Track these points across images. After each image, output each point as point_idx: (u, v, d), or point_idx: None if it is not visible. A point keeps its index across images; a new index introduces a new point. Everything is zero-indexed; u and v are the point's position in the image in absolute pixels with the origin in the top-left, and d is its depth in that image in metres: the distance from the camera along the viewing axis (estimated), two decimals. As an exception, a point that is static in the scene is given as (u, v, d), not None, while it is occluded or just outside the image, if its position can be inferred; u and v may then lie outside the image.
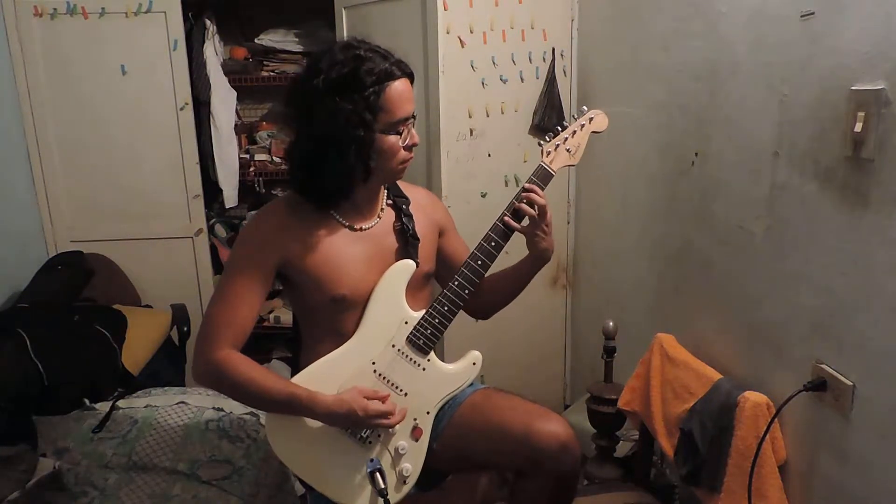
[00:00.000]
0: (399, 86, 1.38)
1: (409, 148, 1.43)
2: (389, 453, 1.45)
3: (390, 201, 1.55)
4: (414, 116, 1.43)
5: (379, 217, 1.52)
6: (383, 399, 1.40)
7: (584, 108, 1.58)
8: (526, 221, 1.49)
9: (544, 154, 1.52)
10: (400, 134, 1.40)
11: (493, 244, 1.47)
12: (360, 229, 1.49)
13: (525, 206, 1.46)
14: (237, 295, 1.42)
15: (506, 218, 1.46)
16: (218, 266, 3.13)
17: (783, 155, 1.50)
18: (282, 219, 1.45)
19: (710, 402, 1.63)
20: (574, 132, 1.54)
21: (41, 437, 1.86)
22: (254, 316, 1.44)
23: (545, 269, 2.62)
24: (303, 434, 1.42)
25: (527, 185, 1.47)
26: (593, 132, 1.57)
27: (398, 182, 1.56)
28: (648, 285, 2.16)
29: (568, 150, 1.53)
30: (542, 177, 1.50)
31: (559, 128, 1.55)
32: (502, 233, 1.47)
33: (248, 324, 1.43)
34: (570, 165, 1.56)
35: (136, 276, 2.93)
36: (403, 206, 1.54)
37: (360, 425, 1.41)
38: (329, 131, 1.36)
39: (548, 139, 1.53)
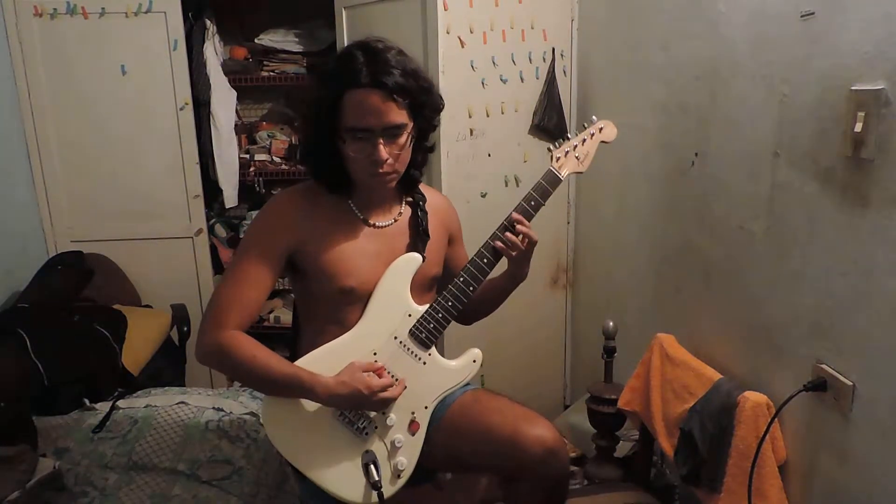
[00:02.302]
0: (361, 95, 1.33)
1: (373, 163, 1.38)
2: (385, 446, 1.45)
3: (410, 198, 1.55)
4: (383, 132, 1.36)
5: (395, 220, 1.52)
6: (379, 372, 1.41)
7: (594, 118, 1.60)
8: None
9: (553, 159, 1.54)
10: (360, 142, 1.36)
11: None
12: (375, 226, 1.49)
13: (516, 240, 1.47)
14: (247, 275, 1.42)
15: (497, 243, 1.47)
16: (218, 266, 3.13)
17: (783, 155, 1.50)
18: (298, 203, 1.46)
19: (710, 402, 1.63)
20: (584, 140, 1.57)
21: (41, 437, 1.86)
22: (262, 298, 1.44)
23: (545, 269, 2.65)
24: (299, 423, 1.42)
25: (515, 216, 1.48)
26: (602, 142, 1.60)
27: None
28: (648, 285, 2.16)
29: (577, 158, 1.56)
30: (551, 181, 1.52)
31: (569, 135, 1.58)
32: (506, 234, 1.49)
33: (255, 305, 1.43)
34: (577, 173, 1.58)
35: (136, 276, 2.93)
36: (420, 203, 1.55)
37: (363, 404, 1.40)
38: (304, 116, 1.49)
39: (557, 145, 1.56)
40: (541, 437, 1.40)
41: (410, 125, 1.40)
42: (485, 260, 1.47)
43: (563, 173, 1.53)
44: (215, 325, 1.40)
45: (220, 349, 1.38)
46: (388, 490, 1.43)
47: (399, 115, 1.37)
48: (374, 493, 1.37)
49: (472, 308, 1.61)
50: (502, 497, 1.55)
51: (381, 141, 1.36)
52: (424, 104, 1.41)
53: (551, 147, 1.56)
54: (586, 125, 1.59)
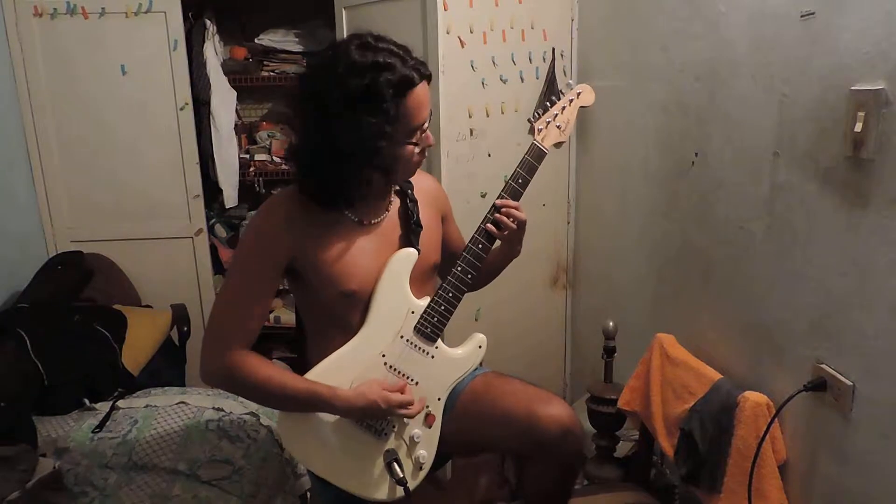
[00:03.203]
0: (418, 92, 1.32)
1: (423, 151, 1.42)
2: (405, 442, 1.46)
3: (397, 187, 1.54)
4: (430, 115, 1.39)
5: (387, 211, 1.51)
6: (402, 389, 1.40)
7: (571, 82, 1.59)
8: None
9: (536, 132, 1.52)
10: (417, 139, 1.38)
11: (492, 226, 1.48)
12: (369, 223, 1.47)
13: (506, 221, 1.47)
14: (247, 292, 1.39)
15: (488, 226, 1.48)
16: (218, 266, 3.13)
17: (783, 155, 1.50)
18: (290, 212, 1.42)
19: (710, 402, 1.63)
20: (563, 108, 1.55)
21: (41, 437, 1.86)
22: (265, 313, 1.42)
23: (545, 269, 2.64)
24: (317, 432, 1.42)
25: (498, 202, 1.49)
26: (581, 107, 1.58)
27: None
28: (648, 285, 2.16)
29: (558, 127, 1.54)
30: (536, 156, 1.51)
31: (548, 103, 1.55)
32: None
33: (258, 322, 1.41)
34: (560, 142, 1.56)
35: (136, 276, 2.92)
36: (409, 192, 1.53)
37: (380, 417, 1.41)
38: (350, 144, 1.30)
39: (537, 116, 1.53)
40: (557, 417, 1.42)
41: None
42: (480, 245, 1.47)
43: (547, 145, 1.52)
44: (220, 346, 1.36)
45: (229, 372, 1.36)
46: (412, 483, 1.45)
47: None
48: (400, 489, 1.38)
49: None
50: (506, 496, 1.56)
51: (426, 126, 1.39)
52: None
53: (531, 118, 1.52)
54: (563, 92, 1.57)
